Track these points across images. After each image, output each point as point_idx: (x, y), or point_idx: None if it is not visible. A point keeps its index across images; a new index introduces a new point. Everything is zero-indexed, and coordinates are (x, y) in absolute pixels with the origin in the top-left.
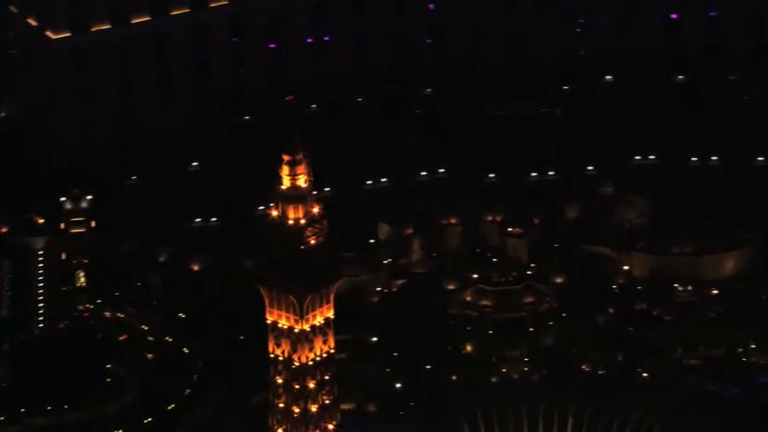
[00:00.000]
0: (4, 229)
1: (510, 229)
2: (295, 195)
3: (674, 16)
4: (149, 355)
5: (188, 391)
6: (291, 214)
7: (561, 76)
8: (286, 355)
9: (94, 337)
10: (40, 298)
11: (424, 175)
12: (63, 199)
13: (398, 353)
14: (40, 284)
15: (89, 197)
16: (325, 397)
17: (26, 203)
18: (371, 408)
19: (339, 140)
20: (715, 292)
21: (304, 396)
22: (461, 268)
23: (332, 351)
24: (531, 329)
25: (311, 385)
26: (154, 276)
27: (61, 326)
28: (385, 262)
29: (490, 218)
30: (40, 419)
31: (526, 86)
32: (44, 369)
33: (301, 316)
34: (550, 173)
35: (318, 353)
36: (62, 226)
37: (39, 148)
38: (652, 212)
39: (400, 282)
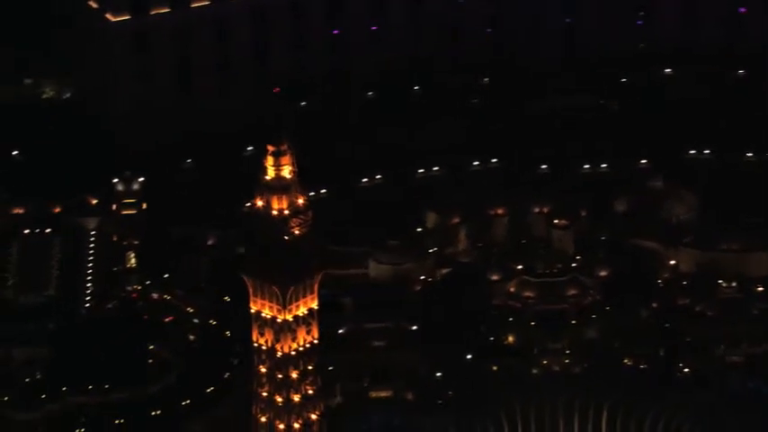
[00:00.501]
0: (58, 209)
1: (556, 221)
2: (279, 186)
3: (742, 10)
4: (192, 338)
5: (228, 374)
6: (275, 205)
7: (620, 69)
8: (269, 344)
9: (140, 318)
10: (89, 278)
11: (475, 165)
12: (115, 180)
13: (439, 342)
14: (90, 265)
15: (141, 179)
16: (308, 387)
17: (81, 184)
18: (409, 396)
19: (394, 125)
20: (760, 289)
21: (287, 386)
22: (506, 259)
23: (315, 342)
24: (574, 322)
25: (294, 375)
26: (202, 259)
27: (109, 306)
28: (431, 251)
29: (537, 209)
30: (82, 398)
31: (584, 79)
32: (88, 349)
33: (284, 306)
34: (603, 165)
35: (301, 343)
36: (114, 207)
37: (97, 128)
38: (701, 208)
39: (445, 271)
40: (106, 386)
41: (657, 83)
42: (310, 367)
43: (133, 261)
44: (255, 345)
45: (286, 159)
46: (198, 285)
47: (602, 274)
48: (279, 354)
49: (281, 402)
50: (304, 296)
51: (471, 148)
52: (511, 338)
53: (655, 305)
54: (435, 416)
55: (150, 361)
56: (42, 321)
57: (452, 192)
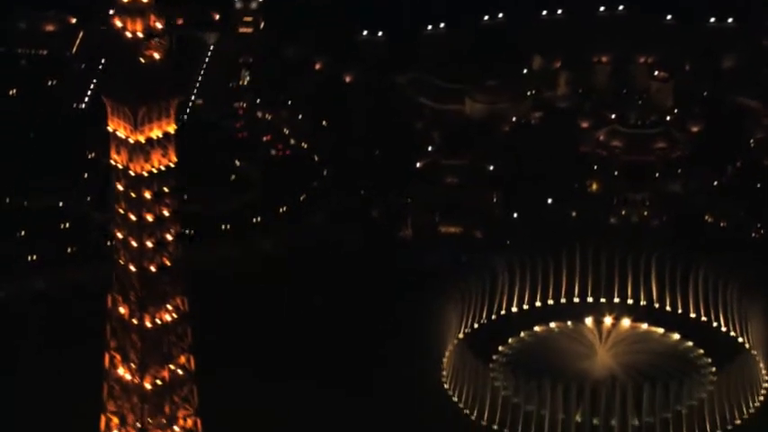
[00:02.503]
0: (180, 21)
1: (657, 73)
2: (134, 8)
3: None
4: (279, 156)
5: (304, 196)
6: (129, 26)
7: None
8: (124, 164)
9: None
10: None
11: (602, 12)
12: None
13: (518, 183)
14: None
15: None
16: (163, 208)
17: None
18: (478, 234)
19: None
20: None
21: (139, 205)
22: (602, 107)
23: (171, 165)
24: (658, 175)
25: (147, 195)
26: (308, 83)
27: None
28: (529, 93)
29: (642, 59)
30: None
31: None
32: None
33: (135, 126)
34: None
35: (156, 165)
36: (232, 25)
37: None
38: None
39: (538, 114)
40: (184, 197)
41: None
42: (166, 189)
43: (247, 78)
44: (112, 163)
45: None
46: (300, 108)
47: (695, 129)
48: (132, 173)
49: (134, 221)
50: (159, 119)
51: None
52: (594, 186)
53: (739, 164)
54: (503, 255)
55: (233, 176)
56: None
57: (559, 36)
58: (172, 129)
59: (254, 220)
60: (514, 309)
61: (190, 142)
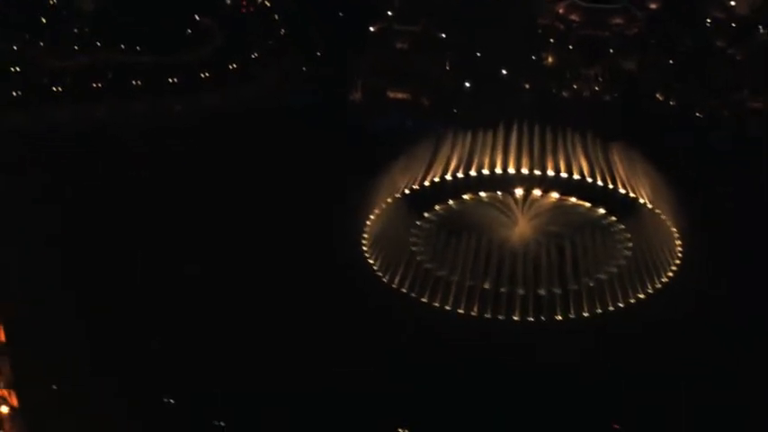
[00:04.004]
0: None
1: None
2: None
3: None
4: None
5: (257, 54)
6: None
7: None
8: None
9: None
10: None
11: None
12: None
13: (471, 52)
14: None
15: None
16: None
17: None
18: (425, 101)
19: None
20: None
21: None
22: None
23: None
24: (612, 51)
25: None
26: None
27: None
28: None
29: None
30: (117, 56)
31: None
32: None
33: None
34: None
35: None
36: None
37: None
38: None
39: None
40: (138, 48)
41: None
42: None
43: None
44: None
45: None
46: None
47: (653, 6)
48: None
49: None
50: None
51: None
52: (550, 59)
53: (693, 43)
54: (449, 124)
55: (190, 30)
56: None
57: None
58: None
59: (203, 75)
60: (448, 176)
61: None
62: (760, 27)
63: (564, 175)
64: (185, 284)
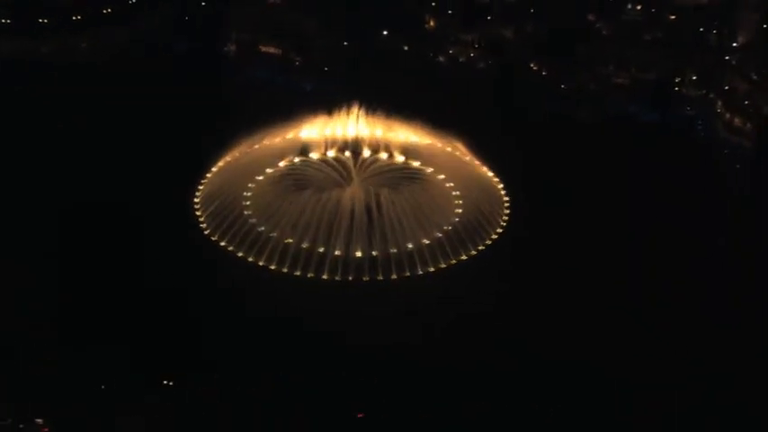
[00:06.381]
0: None
1: None
2: None
3: None
4: None
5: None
6: None
7: None
8: None
9: None
10: None
11: None
12: None
13: (351, 13)
14: None
15: None
16: None
17: None
18: (295, 58)
19: None
20: (672, 17)
21: None
22: None
23: None
24: (489, 18)
25: None
26: None
27: None
28: None
29: None
30: None
31: None
32: None
33: None
34: None
35: None
36: None
37: None
38: None
39: None
40: None
41: None
42: None
43: None
44: None
45: None
46: None
47: None
48: None
49: None
50: None
51: None
52: (432, 22)
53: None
54: (318, 83)
55: None
56: None
57: None
58: None
59: (74, 18)
60: (303, 137)
61: None
62: (628, 4)
63: (414, 139)
64: None
